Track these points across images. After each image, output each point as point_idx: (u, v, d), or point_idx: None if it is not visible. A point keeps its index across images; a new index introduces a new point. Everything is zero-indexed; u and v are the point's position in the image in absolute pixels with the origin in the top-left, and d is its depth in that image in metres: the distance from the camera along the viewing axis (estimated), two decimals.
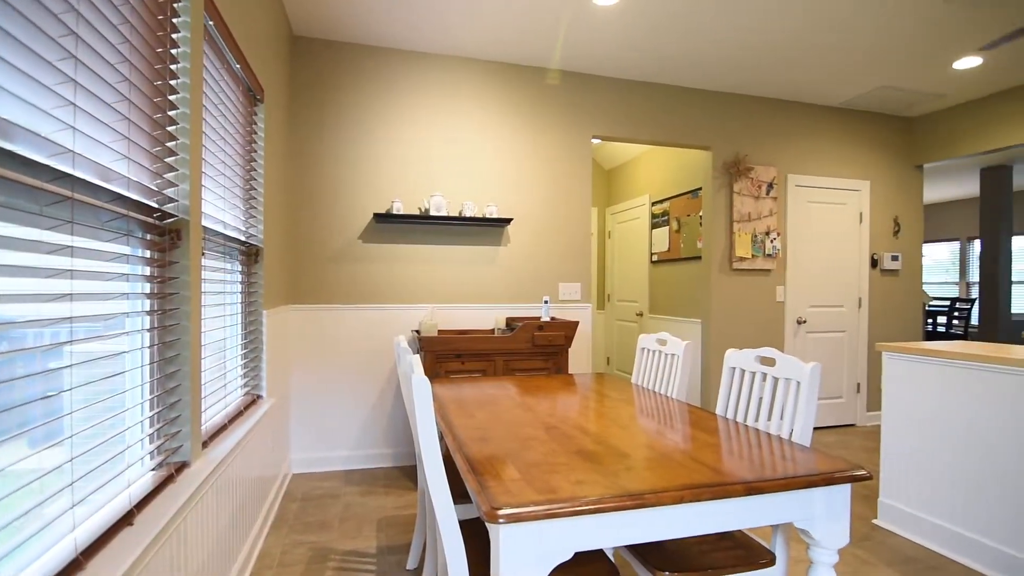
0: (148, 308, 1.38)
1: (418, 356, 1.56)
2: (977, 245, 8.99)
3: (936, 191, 8.54)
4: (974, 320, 8.44)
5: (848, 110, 4.69)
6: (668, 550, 1.52)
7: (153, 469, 1.39)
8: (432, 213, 3.47)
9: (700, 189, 4.53)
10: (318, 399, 3.48)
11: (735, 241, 4.30)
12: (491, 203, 3.75)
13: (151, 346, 1.38)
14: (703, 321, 4.38)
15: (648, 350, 2.53)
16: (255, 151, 2.53)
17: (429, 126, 3.64)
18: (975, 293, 9.05)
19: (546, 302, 3.57)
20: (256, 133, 2.54)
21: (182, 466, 1.49)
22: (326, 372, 3.49)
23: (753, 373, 1.92)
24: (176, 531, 1.35)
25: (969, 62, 3.70)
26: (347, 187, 3.50)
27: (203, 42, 1.68)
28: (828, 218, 4.66)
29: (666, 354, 2.37)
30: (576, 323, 3.36)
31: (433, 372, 3.18)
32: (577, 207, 3.95)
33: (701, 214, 4.46)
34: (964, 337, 7.40)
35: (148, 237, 1.34)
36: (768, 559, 1.50)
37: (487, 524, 1.08)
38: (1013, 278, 7.55)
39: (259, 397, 2.59)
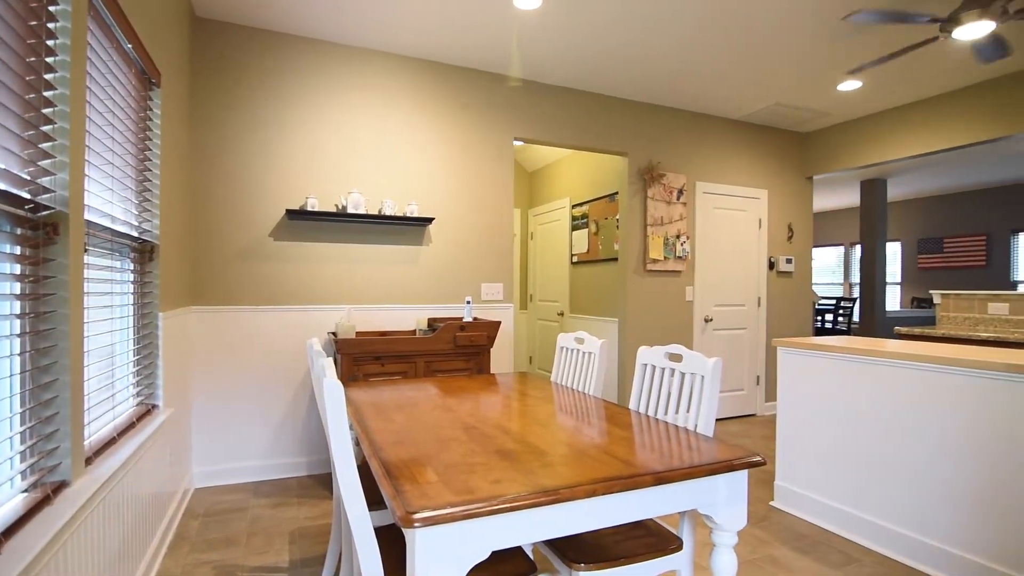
0: (18, 311, 1.23)
1: (331, 359, 1.50)
2: (858, 250, 10.01)
3: (824, 201, 9.41)
4: (856, 317, 9.37)
5: (750, 124, 5.06)
6: (585, 542, 1.56)
7: (25, 491, 1.24)
8: (350, 211, 3.36)
9: (617, 193, 4.71)
10: (224, 407, 3.26)
11: (649, 244, 4.50)
12: (412, 202, 3.69)
13: (22, 353, 1.24)
14: (620, 320, 4.55)
15: (567, 349, 2.59)
16: (149, 139, 2.33)
17: (347, 121, 3.52)
18: (856, 293, 10.06)
19: (468, 302, 3.56)
20: (151, 120, 2.34)
21: (60, 486, 1.35)
22: (233, 378, 3.27)
23: (663, 369, 2.01)
24: (53, 559, 1.21)
25: (850, 85, 4.10)
26: (257, 181, 3.31)
27: (87, 17, 1.52)
28: (731, 223, 5.00)
29: (584, 352, 2.44)
30: (498, 323, 3.38)
31: (351, 375, 3.07)
32: (500, 207, 3.98)
33: (618, 217, 4.64)
34: (847, 332, 8.21)
35: (17, 231, 1.20)
36: (677, 544, 1.58)
37: (403, 529, 1.06)
38: (888, 280, 8.47)
39: (154, 407, 2.38)
